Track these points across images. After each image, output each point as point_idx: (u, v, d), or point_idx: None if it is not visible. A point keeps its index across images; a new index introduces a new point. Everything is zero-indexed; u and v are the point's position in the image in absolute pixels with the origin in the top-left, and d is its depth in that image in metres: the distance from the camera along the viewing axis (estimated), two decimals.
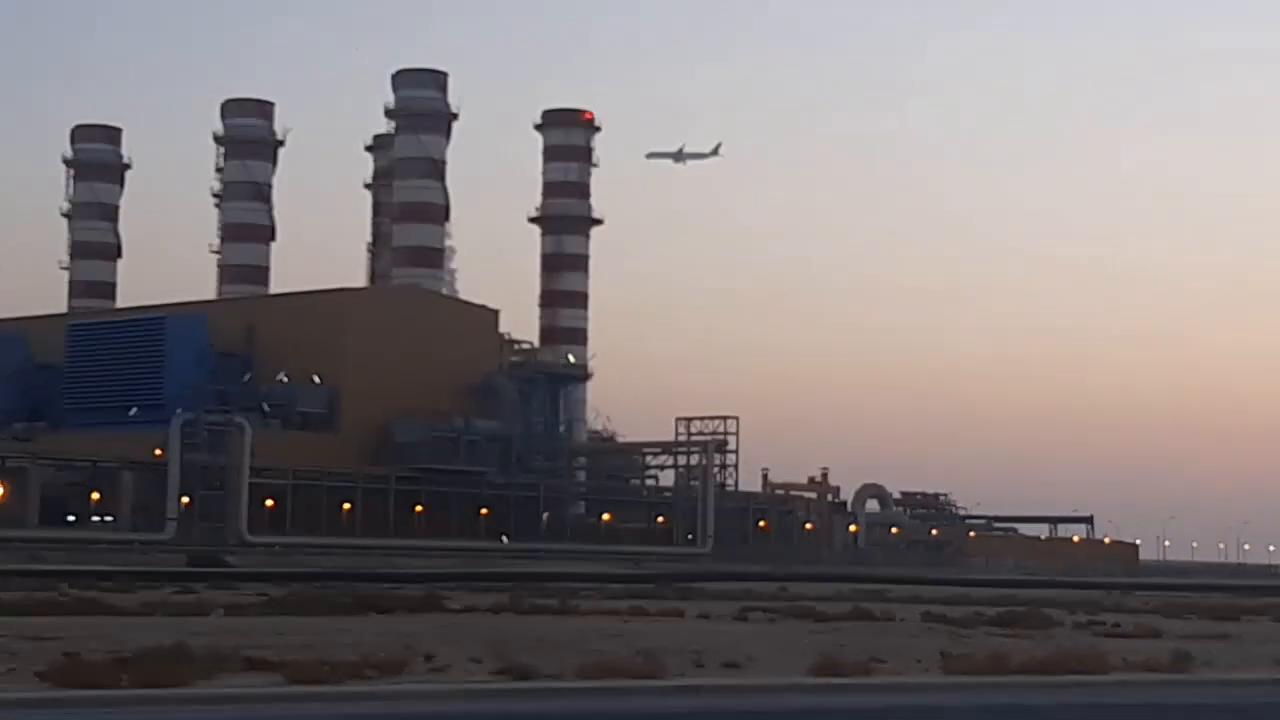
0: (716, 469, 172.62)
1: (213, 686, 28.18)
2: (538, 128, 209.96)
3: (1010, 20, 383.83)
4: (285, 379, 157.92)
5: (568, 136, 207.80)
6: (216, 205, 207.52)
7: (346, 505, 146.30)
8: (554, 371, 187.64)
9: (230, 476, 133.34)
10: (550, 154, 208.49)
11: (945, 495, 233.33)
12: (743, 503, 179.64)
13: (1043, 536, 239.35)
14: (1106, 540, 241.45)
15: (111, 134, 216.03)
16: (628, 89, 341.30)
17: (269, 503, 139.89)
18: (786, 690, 30.84)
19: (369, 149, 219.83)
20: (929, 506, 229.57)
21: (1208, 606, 69.55)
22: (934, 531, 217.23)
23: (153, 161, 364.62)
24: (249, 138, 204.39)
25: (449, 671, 31.32)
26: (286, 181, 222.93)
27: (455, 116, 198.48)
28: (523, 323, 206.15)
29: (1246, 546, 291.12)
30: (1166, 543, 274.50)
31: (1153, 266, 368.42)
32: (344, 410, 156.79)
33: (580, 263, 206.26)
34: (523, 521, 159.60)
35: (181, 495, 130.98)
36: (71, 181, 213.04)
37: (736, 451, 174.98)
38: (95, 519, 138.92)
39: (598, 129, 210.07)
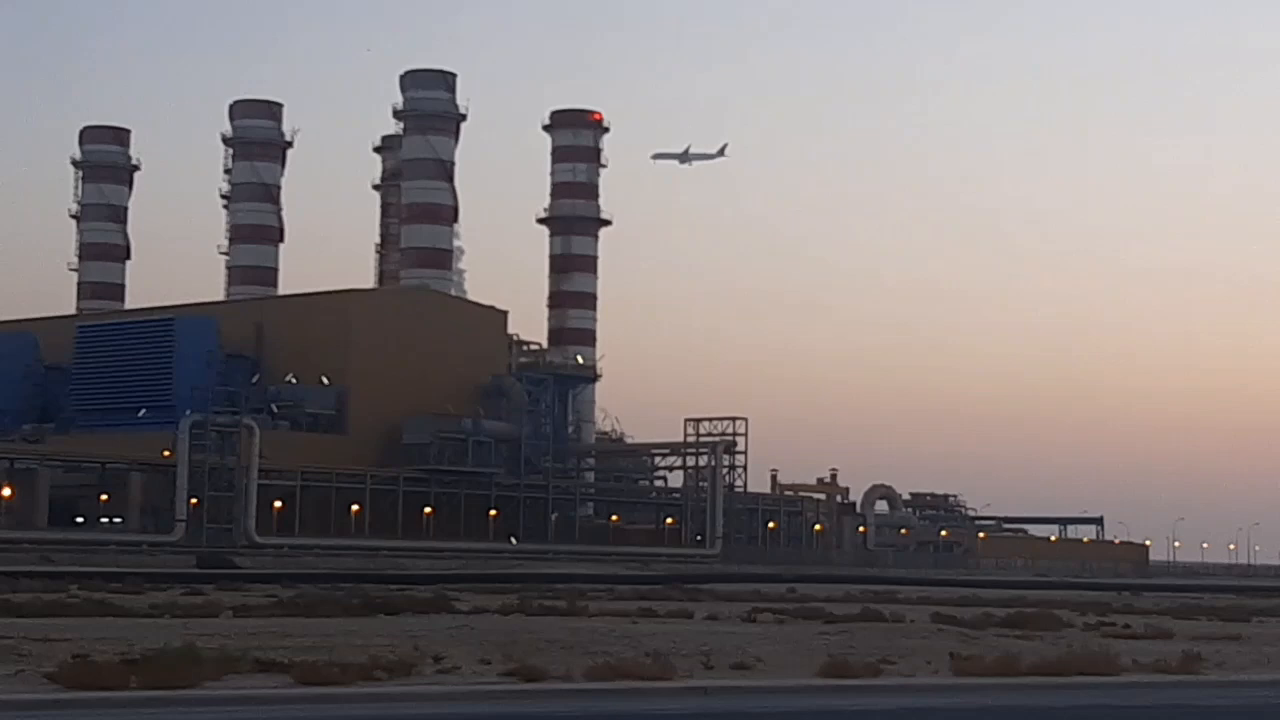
0: (725, 470, 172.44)
1: (222, 688, 28.16)
2: (546, 128, 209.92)
3: (1023, 20, 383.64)
4: (294, 380, 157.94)
5: (576, 137, 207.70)
6: (225, 206, 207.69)
7: (355, 506, 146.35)
8: (562, 372, 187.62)
9: (239, 478, 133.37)
10: (559, 155, 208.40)
11: (955, 496, 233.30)
12: (751, 504, 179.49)
13: (1053, 537, 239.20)
14: (1116, 541, 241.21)
15: (120, 135, 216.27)
16: (636, 89, 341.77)
17: (278, 504, 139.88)
18: (795, 692, 30.79)
19: (377, 150, 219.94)
20: (938, 507, 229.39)
21: (1218, 608, 69.58)
22: (943, 533, 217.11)
23: (161, 163, 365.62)
24: (257, 139, 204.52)
25: (458, 673, 31.30)
26: (295, 182, 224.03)
27: (464, 117, 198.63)
28: (531, 323, 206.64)
29: (1257, 547, 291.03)
30: (1177, 544, 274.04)
31: (1163, 268, 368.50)
32: (352, 411, 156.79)
33: (589, 263, 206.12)
34: (531, 522, 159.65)
35: (190, 497, 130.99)
36: (80, 183, 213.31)
37: (745, 452, 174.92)
38: (104, 520, 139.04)
39: (606, 129, 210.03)
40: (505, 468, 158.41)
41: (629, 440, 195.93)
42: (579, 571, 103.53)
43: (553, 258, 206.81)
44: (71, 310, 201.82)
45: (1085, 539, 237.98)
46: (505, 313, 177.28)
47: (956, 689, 32.05)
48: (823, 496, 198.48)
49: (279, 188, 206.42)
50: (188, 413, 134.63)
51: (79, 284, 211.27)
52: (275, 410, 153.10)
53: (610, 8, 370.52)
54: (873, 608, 57.07)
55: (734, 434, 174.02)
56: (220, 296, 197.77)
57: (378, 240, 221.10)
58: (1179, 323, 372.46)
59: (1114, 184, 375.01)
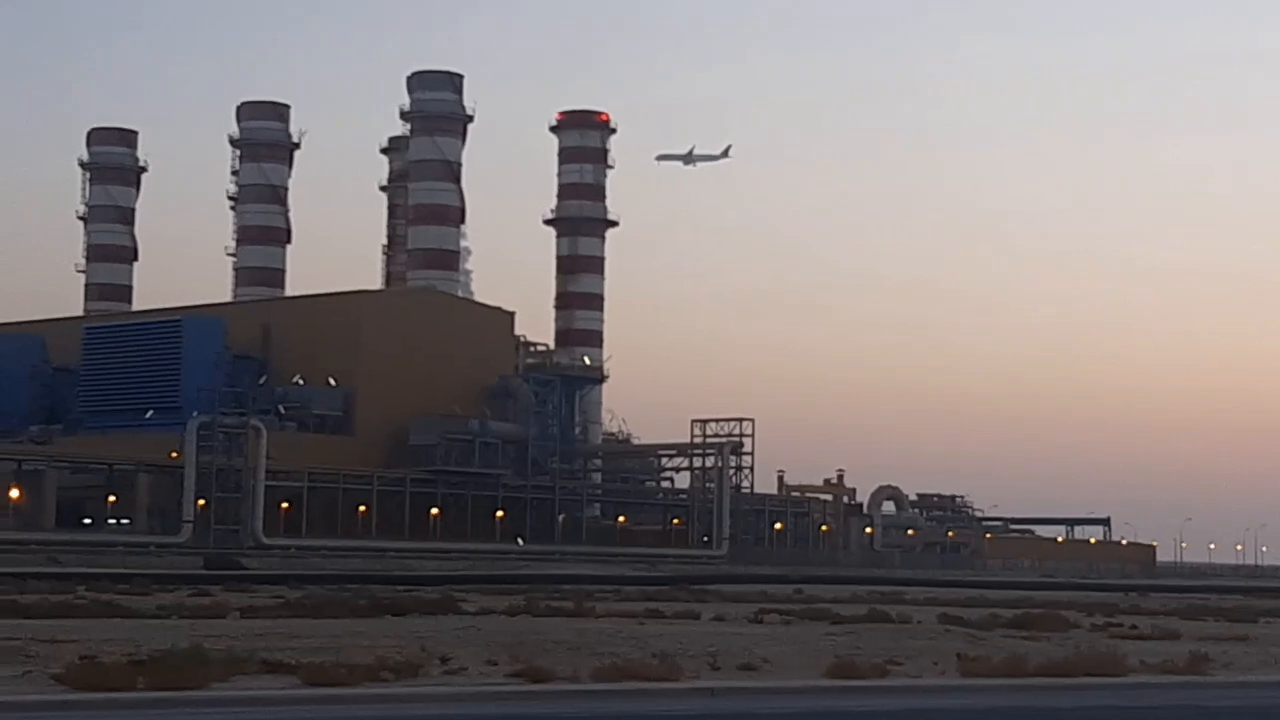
0: (732, 471, 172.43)
1: (229, 689, 28.18)
2: (553, 129, 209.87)
3: (1026, 21, 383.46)
4: (301, 381, 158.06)
5: (583, 138, 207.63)
6: (232, 208, 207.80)
7: (362, 507, 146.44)
8: (569, 373, 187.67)
9: (246, 479, 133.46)
10: (566, 156, 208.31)
11: (961, 497, 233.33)
12: (758, 505, 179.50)
13: (1059, 538, 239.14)
14: (1123, 542, 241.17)
15: (127, 137, 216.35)
16: (643, 90, 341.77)
17: (285, 505, 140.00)
18: (802, 693, 30.78)
19: (384, 151, 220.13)
20: (945, 508, 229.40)
21: (1226, 608, 69.51)
22: (950, 533, 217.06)
23: (169, 164, 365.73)
24: (264, 140, 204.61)
25: (465, 674, 31.31)
26: (302, 184, 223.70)
27: (471, 119, 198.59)
28: (538, 325, 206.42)
29: (1264, 548, 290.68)
30: (1184, 544, 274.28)
31: (1170, 268, 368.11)
32: (359, 412, 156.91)
33: (596, 264, 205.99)
34: (538, 523, 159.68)
35: (197, 498, 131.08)
36: (87, 185, 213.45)
37: (752, 453, 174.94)
38: (111, 521, 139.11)
39: (613, 130, 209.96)
40: (512, 469, 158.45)
41: (635, 441, 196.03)
42: (585, 572, 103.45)
43: (560, 259, 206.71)
44: (79, 312, 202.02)
45: (1092, 540, 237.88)
46: (512, 314, 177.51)
47: (963, 690, 32.04)
48: (829, 497, 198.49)
49: (286, 189, 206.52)
50: (195, 414, 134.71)
51: (86, 285, 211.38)
52: (282, 411, 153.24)
53: (617, 9, 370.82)
54: (879, 609, 57.03)
55: (741, 435, 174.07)
56: (227, 298, 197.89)
57: (385, 241, 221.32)
58: (1187, 323, 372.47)
59: (1120, 184, 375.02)
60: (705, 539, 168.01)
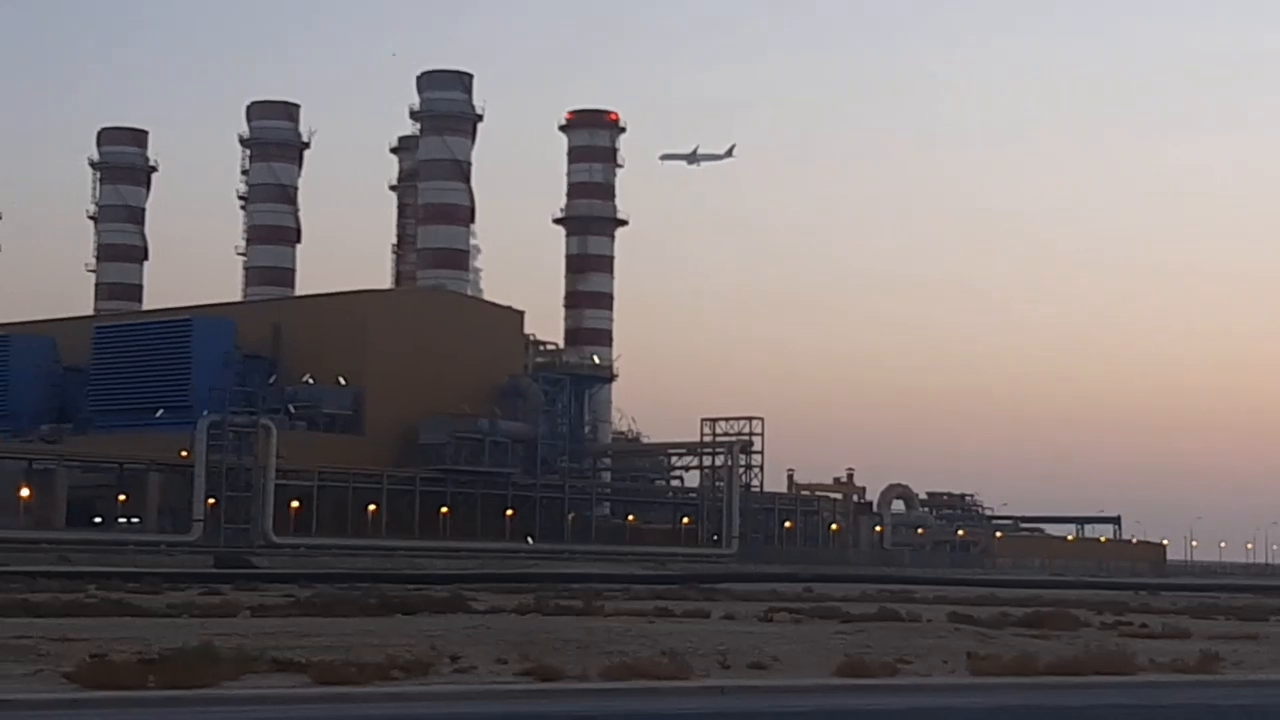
0: (742, 470, 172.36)
1: (239, 688, 28.23)
2: (563, 129, 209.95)
3: (1032, 21, 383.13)
4: (311, 380, 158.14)
5: (593, 137, 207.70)
6: (242, 207, 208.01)
7: (372, 506, 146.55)
8: (579, 372, 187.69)
9: (256, 478, 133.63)
10: (575, 155, 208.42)
11: (971, 495, 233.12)
12: (768, 503, 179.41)
13: (1069, 537, 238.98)
14: (1134, 540, 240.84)
15: (138, 137, 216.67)
16: (653, 89, 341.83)
17: (295, 504, 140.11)
18: (812, 691, 30.79)
19: (394, 151, 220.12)
20: (955, 507, 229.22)
21: (1236, 607, 69.43)
22: (960, 532, 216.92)
23: (179, 164, 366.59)
24: (274, 140, 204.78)
25: (475, 672, 31.35)
26: (312, 183, 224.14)
27: (480, 118, 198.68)
28: (548, 324, 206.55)
29: (1275, 546, 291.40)
30: (1194, 543, 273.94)
31: (1180, 267, 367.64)
32: (369, 412, 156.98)
33: (605, 263, 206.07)
34: (548, 522, 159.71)
35: (208, 497, 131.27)
36: (98, 184, 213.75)
37: (762, 452, 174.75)
38: (122, 521, 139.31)
39: (623, 130, 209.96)
40: (522, 468, 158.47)
41: (645, 440, 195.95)
42: (595, 571, 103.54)
43: (569, 258, 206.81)
44: (89, 311, 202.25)
45: (1102, 538, 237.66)
46: (522, 313, 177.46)
47: (973, 688, 32.04)
48: (839, 496, 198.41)
49: (296, 189, 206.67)
50: (205, 413, 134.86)
51: (97, 285, 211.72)
52: (292, 410, 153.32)
53: (626, 9, 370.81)
54: (889, 607, 57.02)
55: (750, 433, 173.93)
56: (238, 297, 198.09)
57: (394, 241, 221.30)
58: (1197, 321, 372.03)
59: (1131, 183, 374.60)
60: (715, 538, 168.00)
